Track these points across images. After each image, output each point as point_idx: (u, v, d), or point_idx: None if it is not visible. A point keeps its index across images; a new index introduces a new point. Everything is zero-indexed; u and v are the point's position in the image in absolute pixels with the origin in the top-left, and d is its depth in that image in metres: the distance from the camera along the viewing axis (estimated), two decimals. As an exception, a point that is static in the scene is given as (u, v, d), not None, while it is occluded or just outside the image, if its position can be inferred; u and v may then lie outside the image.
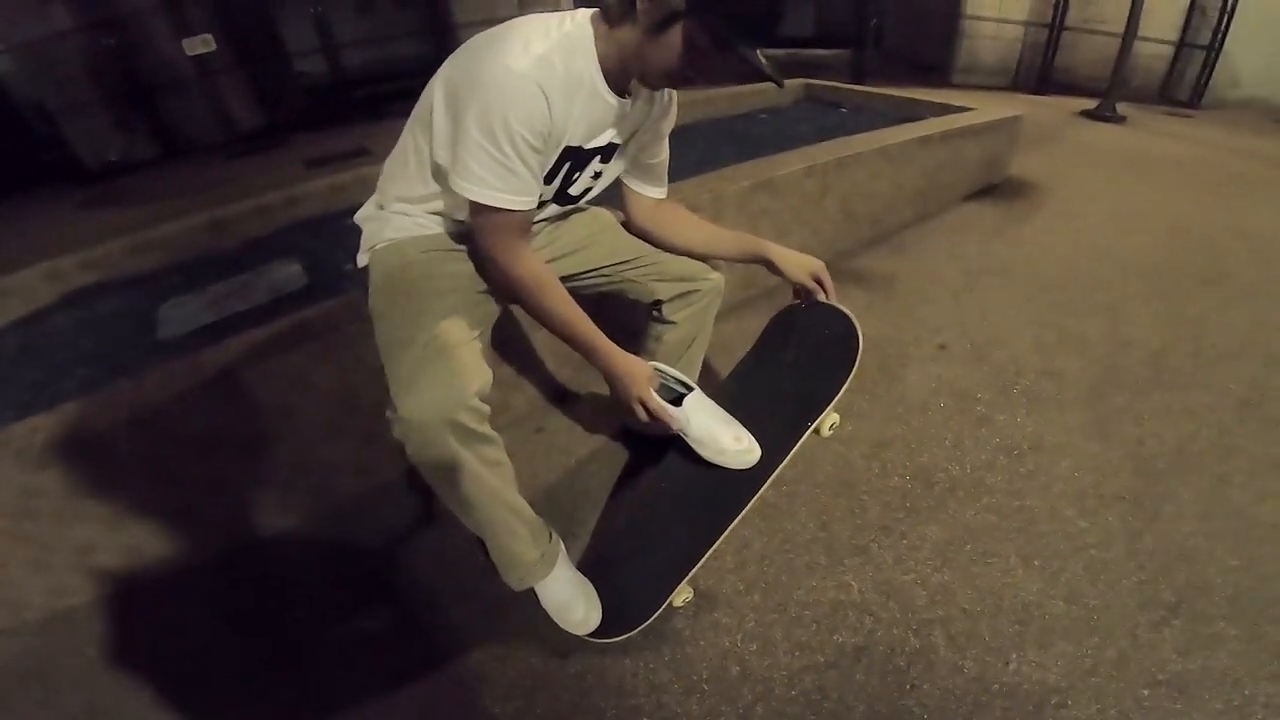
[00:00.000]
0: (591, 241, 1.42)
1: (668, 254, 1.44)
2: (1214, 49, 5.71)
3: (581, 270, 1.41)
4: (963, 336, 2.21)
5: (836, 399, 1.34)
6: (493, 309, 1.31)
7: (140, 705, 1.28)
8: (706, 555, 1.29)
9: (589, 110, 1.11)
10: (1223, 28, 5.61)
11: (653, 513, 1.44)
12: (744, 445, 1.32)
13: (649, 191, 1.41)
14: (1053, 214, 3.22)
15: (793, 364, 1.46)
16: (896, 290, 2.54)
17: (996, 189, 3.52)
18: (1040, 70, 6.39)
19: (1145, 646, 1.23)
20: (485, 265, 1.21)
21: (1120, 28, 5.07)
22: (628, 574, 1.36)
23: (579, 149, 1.17)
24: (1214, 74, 5.79)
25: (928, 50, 7.00)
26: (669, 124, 1.35)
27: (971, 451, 1.72)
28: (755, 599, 1.38)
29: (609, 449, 1.81)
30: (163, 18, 5.58)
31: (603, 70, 1.08)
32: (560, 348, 1.88)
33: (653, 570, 1.33)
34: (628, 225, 1.46)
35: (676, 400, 1.31)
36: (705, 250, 1.45)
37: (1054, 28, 6.20)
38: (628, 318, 1.51)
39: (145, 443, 1.41)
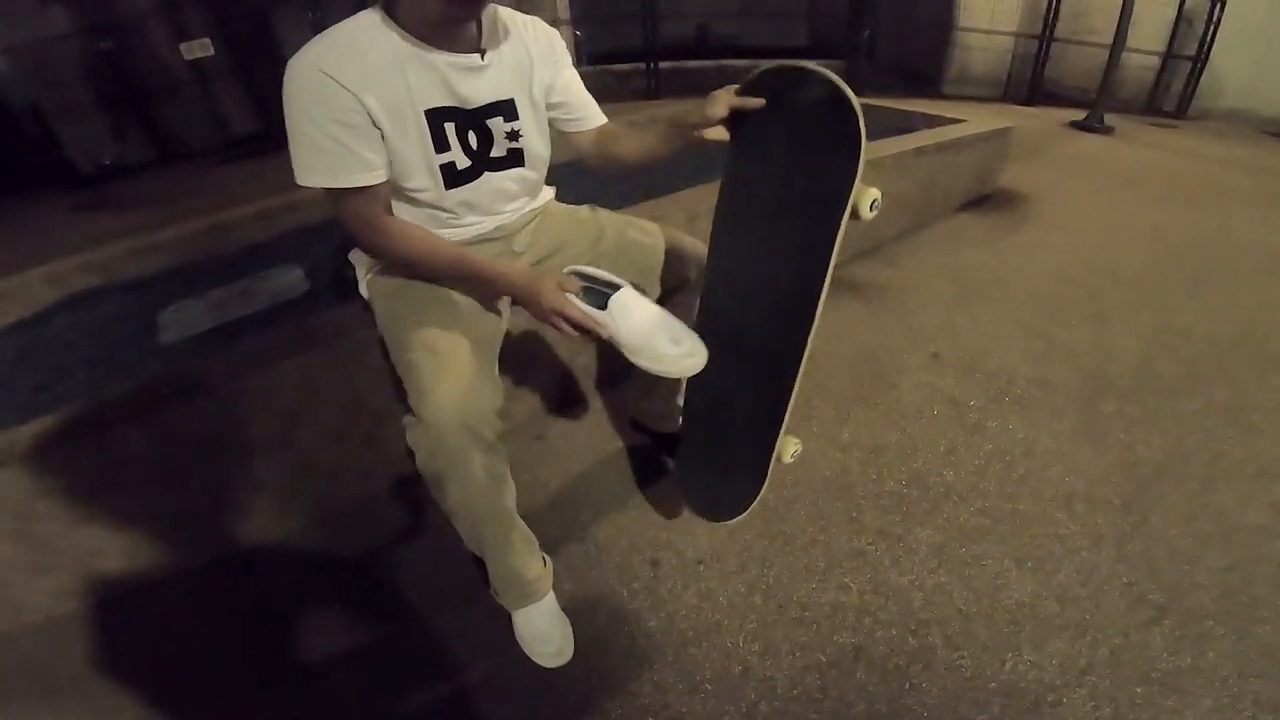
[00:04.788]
0: (572, 236, 1.44)
1: (652, 245, 1.44)
2: (1199, 60, 5.81)
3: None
4: (955, 345, 2.25)
5: (860, 170, 1.03)
6: (498, 325, 1.33)
7: (140, 710, 1.28)
8: (791, 402, 1.21)
9: (427, 75, 1.12)
10: (1208, 39, 5.71)
11: (716, 392, 1.36)
12: (685, 348, 1.13)
13: (584, 125, 1.38)
14: (1042, 224, 3.27)
15: (787, 147, 1.13)
16: (890, 300, 2.57)
17: (988, 200, 3.57)
18: (1030, 81, 6.46)
19: (1137, 645, 1.27)
20: (365, 251, 1.24)
21: (1108, 39, 5.13)
22: (720, 455, 1.38)
23: (455, 110, 1.17)
24: (1200, 85, 5.89)
25: (920, 61, 7.07)
26: (564, 60, 1.33)
27: (965, 457, 1.75)
28: (757, 601, 1.40)
29: (610, 456, 1.83)
30: (160, 22, 5.58)
31: (421, 38, 1.10)
32: (559, 356, 1.90)
33: (746, 437, 1.31)
34: (584, 164, 1.45)
35: (605, 306, 1.11)
36: (645, 155, 1.33)
37: (1044, 39, 6.27)
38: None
39: (151, 446, 1.41)
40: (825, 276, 1.09)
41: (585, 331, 1.11)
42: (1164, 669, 1.22)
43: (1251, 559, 1.43)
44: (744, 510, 1.34)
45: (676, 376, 1.13)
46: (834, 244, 1.07)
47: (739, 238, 1.25)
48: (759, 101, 1.12)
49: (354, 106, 1.06)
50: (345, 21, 1.10)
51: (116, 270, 2.38)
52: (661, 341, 1.12)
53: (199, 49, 5.50)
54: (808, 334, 1.14)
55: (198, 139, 6.01)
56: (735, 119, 1.15)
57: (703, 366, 1.13)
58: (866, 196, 1.05)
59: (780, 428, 1.24)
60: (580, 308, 1.09)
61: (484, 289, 1.18)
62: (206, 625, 1.46)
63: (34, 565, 1.40)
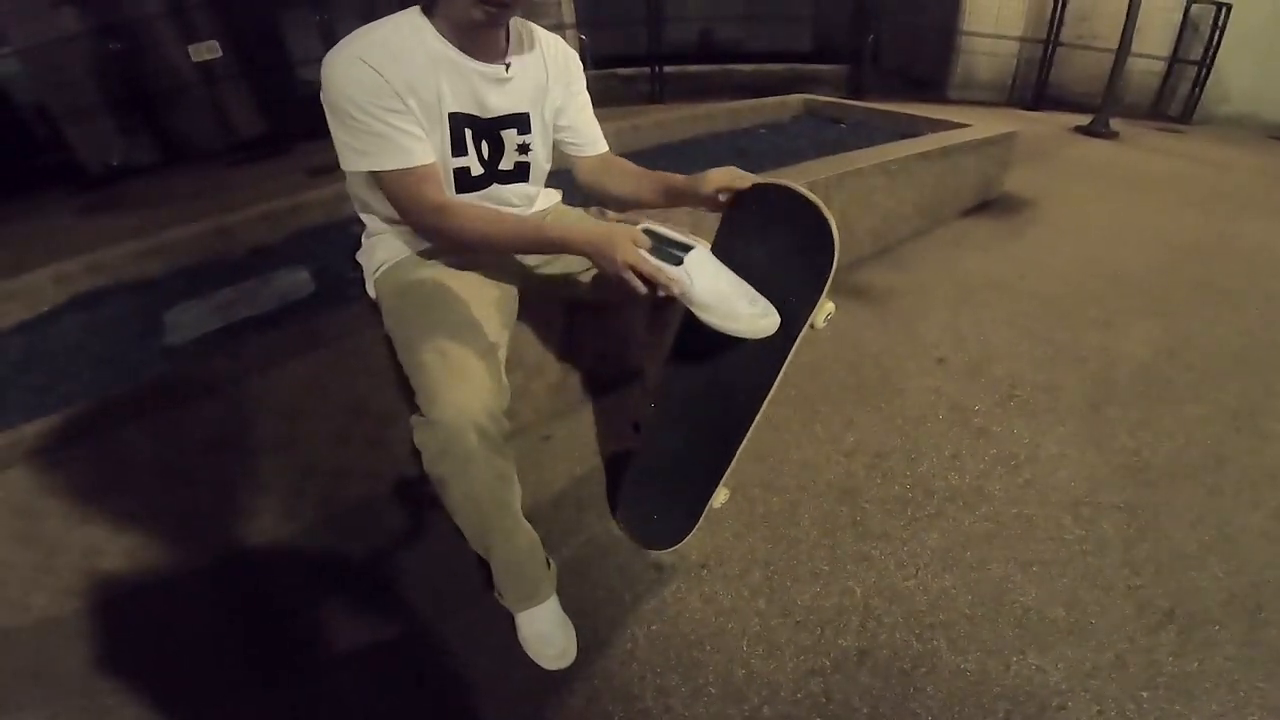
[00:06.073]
0: None
1: None
2: (1205, 65, 5.79)
3: (577, 269, 1.46)
4: (960, 350, 2.25)
5: (828, 285, 1.10)
6: (508, 314, 1.34)
7: (142, 710, 1.28)
8: (733, 462, 1.29)
9: (457, 80, 1.18)
10: (1213, 44, 5.69)
11: (668, 438, 1.45)
12: (759, 309, 1.10)
13: (585, 151, 1.45)
14: (1047, 229, 3.27)
15: (765, 257, 1.18)
16: (896, 305, 2.57)
17: (992, 204, 3.57)
18: (1035, 86, 6.46)
19: (1142, 650, 1.26)
20: (420, 234, 1.25)
21: (1114, 44, 5.13)
22: (661, 492, 1.47)
23: (475, 118, 1.23)
24: (1205, 90, 5.88)
25: (925, 66, 7.08)
26: (579, 84, 1.40)
27: (970, 462, 1.75)
28: (760, 604, 1.40)
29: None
30: (169, 23, 5.61)
31: (456, 46, 1.15)
32: (565, 358, 1.91)
33: (688, 484, 1.39)
34: (575, 180, 1.50)
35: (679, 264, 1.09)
36: (632, 198, 1.41)
37: (1049, 43, 6.27)
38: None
39: (154, 446, 1.42)
40: (779, 370, 1.17)
41: (654, 289, 1.07)
42: (1170, 673, 1.21)
43: (1258, 563, 1.42)
44: (675, 545, 1.46)
45: (749, 336, 1.09)
46: (792, 345, 1.15)
47: None
48: (749, 177, 1.18)
49: (388, 92, 1.10)
50: (384, 21, 1.14)
51: (122, 271, 2.38)
52: (737, 300, 1.10)
53: (207, 51, 5.52)
54: (758, 409, 1.22)
55: (205, 141, 6.04)
56: (729, 204, 1.21)
57: (776, 329, 1.10)
58: (823, 310, 1.12)
59: (720, 481, 1.34)
60: (653, 262, 1.06)
61: (561, 250, 1.16)
62: (209, 625, 1.46)
63: (36, 565, 1.40)
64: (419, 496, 1.70)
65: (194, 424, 1.44)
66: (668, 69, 6.80)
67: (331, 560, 1.59)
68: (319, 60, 1.11)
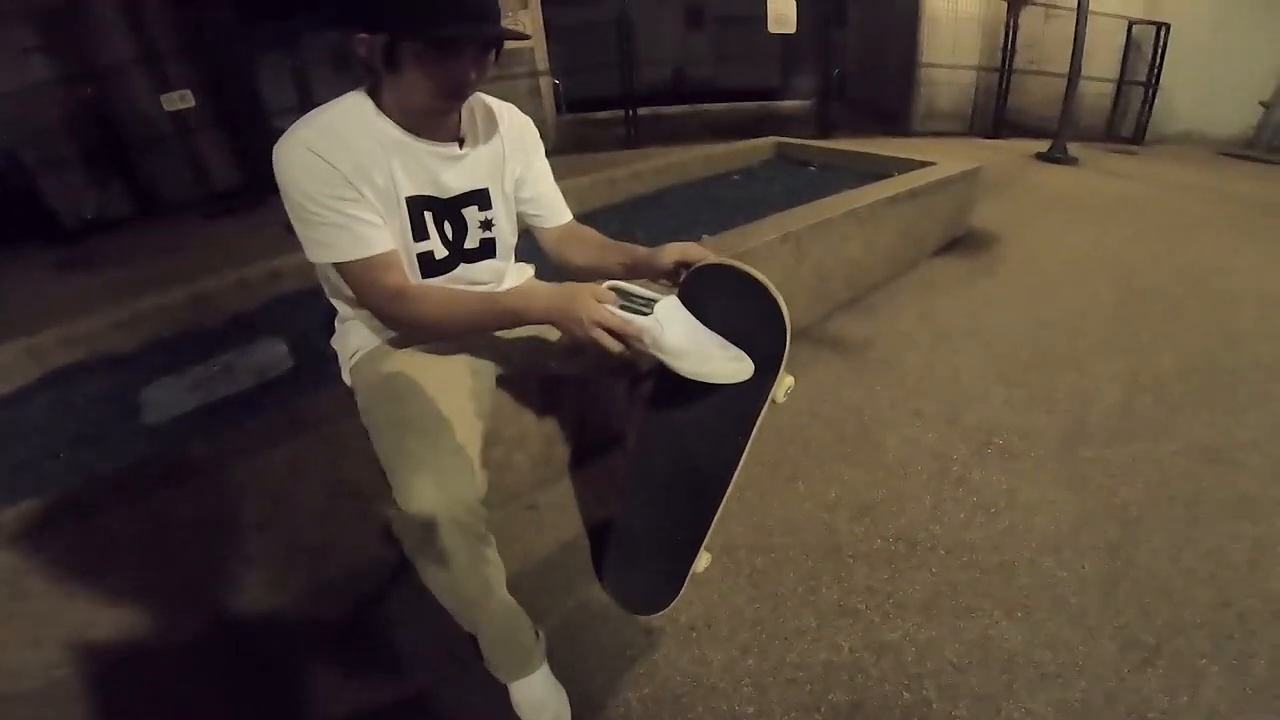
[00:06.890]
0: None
1: None
2: (1151, 85, 6.00)
3: (548, 346, 1.45)
4: (936, 398, 2.28)
5: (785, 359, 1.13)
6: (484, 401, 1.34)
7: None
8: (709, 532, 1.32)
9: (410, 162, 1.16)
10: (1157, 64, 5.90)
11: (645, 509, 1.49)
12: (732, 354, 1.10)
13: (547, 223, 1.42)
14: (1015, 266, 3.35)
15: (722, 334, 1.17)
16: (871, 355, 2.60)
17: (960, 242, 3.64)
18: (995, 113, 6.65)
19: (1131, 688, 1.28)
20: (383, 322, 1.23)
21: (1065, 68, 5.31)
22: (644, 561, 1.50)
23: (433, 199, 1.21)
24: (1154, 109, 6.08)
25: (889, 99, 7.28)
26: (537, 153, 1.37)
27: (951, 511, 1.77)
28: (750, 663, 1.41)
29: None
30: (141, 72, 5.59)
31: (404, 128, 1.14)
32: (547, 426, 1.91)
33: (669, 552, 1.42)
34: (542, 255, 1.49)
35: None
36: (596, 268, 1.38)
37: (1003, 71, 6.47)
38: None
39: (138, 527, 1.41)
40: (746, 444, 1.20)
41: (627, 344, 1.06)
42: (1159, 709, 1.24)
43: (1240, 595, 1.46)
44: (660, 610, 1.47)
45: (724, 381, 1.09)
46: (756, 420, 1.18)
47: (681, 390, 1.26)
48: (703, 253, 1.20)
49: (342, 180, 1.09)
50: (330, 105, 1.13)
51: (98, 343, 2.35)
52: (710, 346, 1.10)
53: (179, 100, 5.47)
54: (728, 483, 1.26)
55: (181, 192, 5.99)
56: (685, 281, 1.21)
57: (750, 375, 1.10)
58: (783, 385, 1.16)
59: (699, 549, 1.37)
60: (621, 315, 1.05)
61: (524, 322, 1.14)
62: (198, 694, 1.45)
63: (25, 638, 1.38)
64: (407, 566, 1.68)
65: (176, 508, 1.43)
66: (641, 111, 6.92)
67: (320, 629, 1.57)
68: (294, 109, 1.10)
